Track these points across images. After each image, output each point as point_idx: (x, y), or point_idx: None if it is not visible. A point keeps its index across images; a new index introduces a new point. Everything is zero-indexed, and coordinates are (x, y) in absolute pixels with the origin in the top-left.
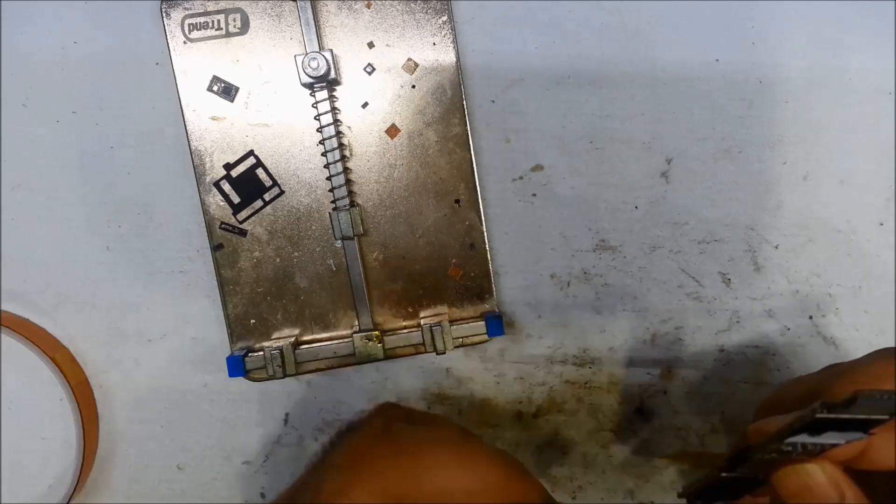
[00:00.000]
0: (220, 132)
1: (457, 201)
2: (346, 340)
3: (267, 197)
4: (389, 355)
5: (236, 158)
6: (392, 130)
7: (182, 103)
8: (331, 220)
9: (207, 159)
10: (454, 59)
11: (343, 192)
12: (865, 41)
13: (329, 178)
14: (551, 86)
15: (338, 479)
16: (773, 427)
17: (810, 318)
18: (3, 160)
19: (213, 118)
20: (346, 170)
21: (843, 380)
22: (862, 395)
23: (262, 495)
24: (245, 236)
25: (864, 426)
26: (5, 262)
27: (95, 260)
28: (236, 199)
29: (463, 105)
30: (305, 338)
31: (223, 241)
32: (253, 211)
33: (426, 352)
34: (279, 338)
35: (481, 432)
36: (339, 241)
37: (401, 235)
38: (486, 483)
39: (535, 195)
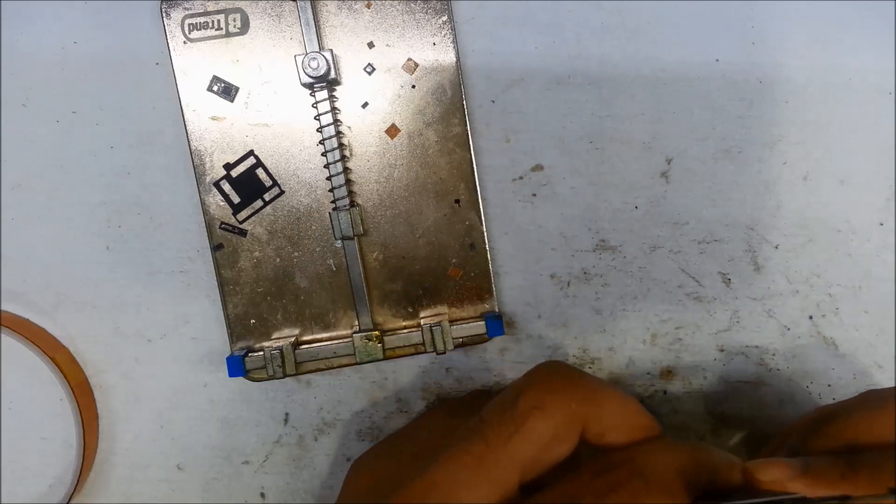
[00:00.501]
0: (220, 132)
1: (457, 201)
2: (346, 340)
3: (267, 197)
4: (389, 355)
5: (236, 158)
6: (392, 130)
7: (182, 103)
8: (331, 220)
9: (207, 159)
10: (454, 59)
11: (343, 192)
12: (865, 41)
13: (329, 178)
14: (551, 86)
15: (533, 395)
16: (767, 475)
17: (810, 318)
18: (3, 160)
19: (213, 118)
20: (346, 170)
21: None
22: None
23: (262, 495)
24: (245, 236)
25: None
26: (5, 262)
27: (95, 260)
28: (236, 199)
29: (463, 105)
30: (305, 338)
31: (223, 241)
32: (253, 211)
33: (426, 352)
34: (279, 338)
35: None
36: (339, 241)
37: (401, 235)
38: (644, 426)
39: (535, 195)
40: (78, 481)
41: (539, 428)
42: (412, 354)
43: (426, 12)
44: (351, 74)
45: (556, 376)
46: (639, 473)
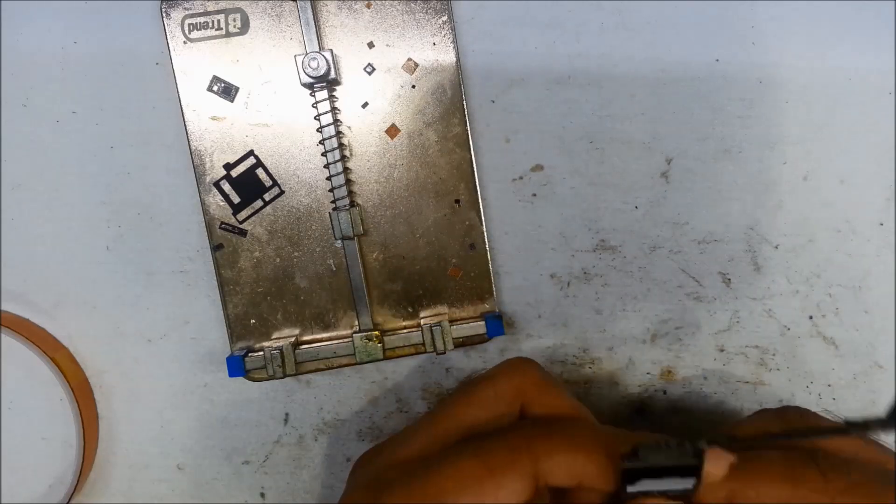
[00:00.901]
0: (220, 132)
1: (457, 201)
2: (346, 340)
3: (267, 197)
4: (389, 355)
5: (236, 158)
6: (392, 130)
7: (182, 103)
8: (331, 220)
9: (207, 159)
10: (454, 59)
11: (343, 192)
12: (865, 41)
13: (329, 178)
14: (551, 86)
15: (489, 372)
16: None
17: (810, 318)
18: (3, 160)
19: (213, 118)
20: (346, 170)
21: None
22: (642, 448)
23: (262, 495)
24: (245, 236)
25: (695, 470)
26: (5, 262)
27: (95, 260)
28: (236, 199)
29: (463, 105)
30: (305, 338)
31: (223, 241)
32: (253, 211)
33: (426, 352)
34: (279, 338)
35: None
36: (339, 241)
37: (401, 235)
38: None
39: (535, 195)
40: (78, 481)
41: (484, 392)
42: (412, 354)
43: (426, 12)
44: (351, 74)
45: (518, 363)
46: (546, 427)
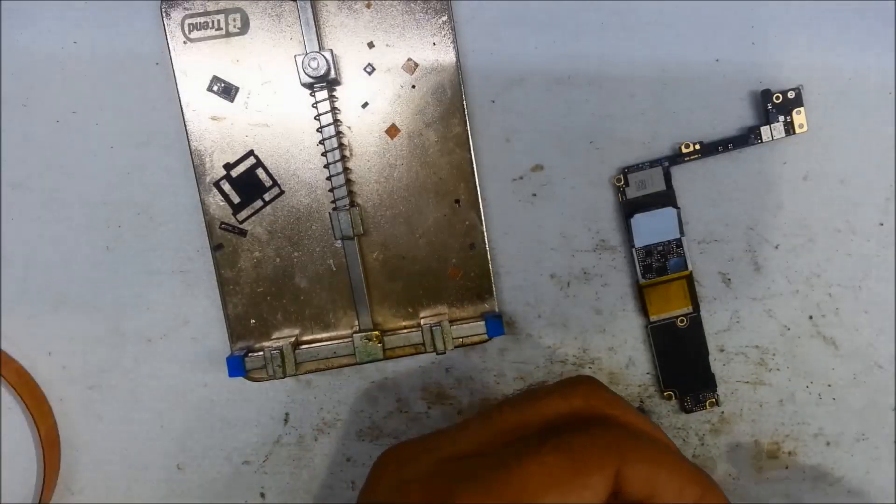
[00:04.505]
0: (220, 132)
1: (457, 201)
2: (346, 340)
3: (267, 197)
4: (389, 355)
5: (236, 158)
6: (392, 130)
7: (182, 103)
8: (331, 220)
9: (207, 159)
10: (454, 59)
11: (343, 192)
12: (865, 41)
13: (329, 178)
14: (551, 86)
15: (559, 385)
16: None
17: (810, 318)
18: (3, 160)
19: (213, 118)
20: (346, 170)
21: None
22: None
23: (262, 495)
24: (245, 236)
25: None
26: (5, 262)
27: (95, 260)
28: (236, 199)
29: (463, 105)
30: (305, 338)
31: (223, 241)
32: (253, 211)
33: (426, 352)
34: (279, 338)
35: None
36: (339, 241)
37: (401, 235)
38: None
39: (535, 195)
40: (44, 486)
41: (552, 397)
42: (412, 354)
43: (426, 12)
44: (351, 74)
45: (585, 377)
46: (632, 433)
